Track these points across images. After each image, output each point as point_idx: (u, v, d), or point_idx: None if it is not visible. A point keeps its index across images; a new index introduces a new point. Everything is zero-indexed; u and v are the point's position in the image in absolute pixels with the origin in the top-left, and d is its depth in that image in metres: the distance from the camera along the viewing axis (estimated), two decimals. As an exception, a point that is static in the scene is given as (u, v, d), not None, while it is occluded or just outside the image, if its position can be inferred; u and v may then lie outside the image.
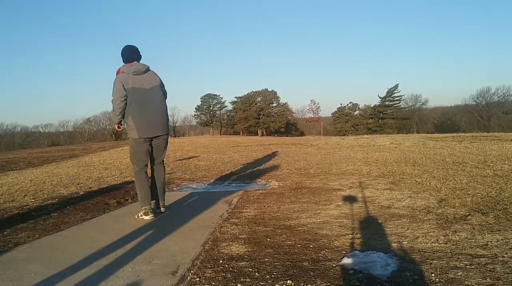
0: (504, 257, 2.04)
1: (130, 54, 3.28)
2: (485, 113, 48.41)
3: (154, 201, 3.43)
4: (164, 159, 3.56)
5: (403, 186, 4.41)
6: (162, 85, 3.38)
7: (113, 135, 54.59)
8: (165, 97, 3.43)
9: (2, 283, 1.94)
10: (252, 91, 60.87)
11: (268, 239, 2.56)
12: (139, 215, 3.28)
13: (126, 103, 3.18)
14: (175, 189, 4.94)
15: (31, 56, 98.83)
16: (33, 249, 2.50)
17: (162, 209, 3.48)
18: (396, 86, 52.20)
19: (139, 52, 3.35)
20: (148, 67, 3.31)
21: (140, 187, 3.27)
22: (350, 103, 58.77)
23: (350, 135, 35.11)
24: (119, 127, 3.36)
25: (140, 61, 3.32)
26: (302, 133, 58.85)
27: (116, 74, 3.24)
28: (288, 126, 62.33)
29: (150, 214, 3.23)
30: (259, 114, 59.11)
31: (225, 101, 65.69)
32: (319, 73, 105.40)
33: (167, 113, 3.40)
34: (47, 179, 6.11)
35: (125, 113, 3.22)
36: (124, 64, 3.27)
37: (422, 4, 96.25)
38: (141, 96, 3.18)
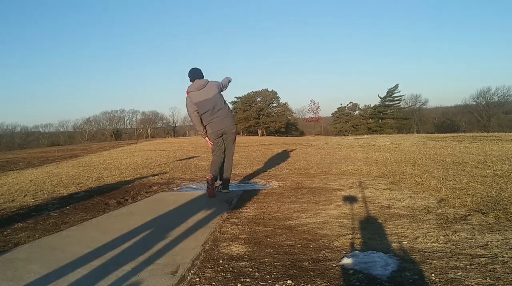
0: (504, 257, 2.04)
1: (193, 75, 4.30)
2: (485, 113, 48.39)
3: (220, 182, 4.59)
4: (234, 149, 4.61)
5: (403, 186, 4.41)
6: (221, 89, 4.42)
7: (113, 136, 54.62)
8: (227, 87, 4.54)
9: (2, 283, 1.94)
10: (252, 91, 60.85)
11: (268, 239, 2.56)
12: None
13: (198, 114, 4.28)
14: (175, 189, 4.94)
15: (31, 56, 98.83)
16: (33, 249, 2.50)
17: (224, 190, 4.52)
18: (396, 86, 52.16)
19: (201, 72, 4.35)
20: (207, 81, 4.31)
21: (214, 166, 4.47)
22: (350, 103, 58.75)
23: (350, 135, 35.09)
24: (209, 140, 4.42)
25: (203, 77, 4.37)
26: (302, 134, 58.80)
27: (186, 93, 4.30)
28: (288, 126, 62.30)
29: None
30: (259, 115, 59.08)
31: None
32: (319, 73, 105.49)
33: (228, 111, 4.42)
34: (47, 179, 6.11)
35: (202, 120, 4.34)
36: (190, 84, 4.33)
37: (422, 4, 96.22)
38: (208, 105, 4.24)
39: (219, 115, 4.27)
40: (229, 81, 4.60)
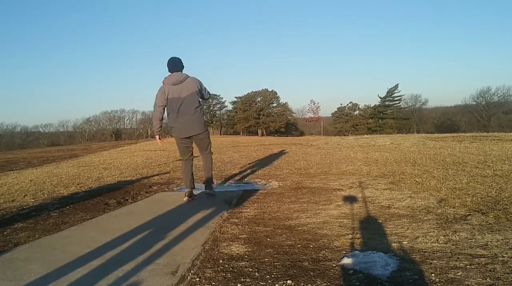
0: (504, 257, 2.04)
1: (172, 66, 3.86)
2: (485, 113, 48.39)
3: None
4: (210, 150, 4.20)
5: (403, 186, 4.41)
6: (200, 90, 3.90)
7: (113, 135, 54.60)
8: (206, 97, 4.07)
9: (2, 283, 1.94)
10: (252, 91, 60.84)
11: (268, 239, 2.56)
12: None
13: (164, 110, 3.87)
14: (175, 189, 4.94)
15: (31, 56, 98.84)
16: (33, 249, 2.50)
17: (205, 191, 4.18)
18: (396, 86, 52.19)
19: (181, 63, 3.92)
20: (187, 76, 3.84)
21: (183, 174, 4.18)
22: (350, 103, 58.75)
23: (350, 135, 35.09)
24: (160, 139, 4.08)
25: (183, 70, 3.93)
26: (302, 133, 58.82)
27: (162, 83, 3.85)
28: (288, 126, 62.30)
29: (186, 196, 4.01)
30: (259, 114, 59.07)
31: (225, 101, 65.60)
32: (319, 73, 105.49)
33: (200, 115, 3.89)
34: (47, 179, 6.11)
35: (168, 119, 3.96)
36: (166, 76, 3.87)
37: (422, 4, 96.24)
38: (177, 104, 3.79)
39: (185, 120, 3.81)
40: (209, 93, 4.17)
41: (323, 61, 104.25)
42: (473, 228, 2.60)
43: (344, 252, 2.24)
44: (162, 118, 3.90)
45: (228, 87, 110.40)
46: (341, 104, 59.39)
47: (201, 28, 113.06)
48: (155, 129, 3.95)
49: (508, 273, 1.82)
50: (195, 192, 4.30)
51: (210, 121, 65.38)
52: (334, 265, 2.05)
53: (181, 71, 3.89)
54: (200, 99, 3.93)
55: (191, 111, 3.80)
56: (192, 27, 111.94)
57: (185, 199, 3.94)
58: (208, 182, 4.15)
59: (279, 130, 58.75)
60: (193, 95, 3.80)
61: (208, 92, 4.09)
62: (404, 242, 2.37)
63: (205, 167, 4.18)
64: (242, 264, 2.10)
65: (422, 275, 1.86)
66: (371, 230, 2.68)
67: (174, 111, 3.80)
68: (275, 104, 61.02)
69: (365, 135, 20.70)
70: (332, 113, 60.48)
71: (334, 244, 2.40)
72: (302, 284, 1.82)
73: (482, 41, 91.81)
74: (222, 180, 5.56)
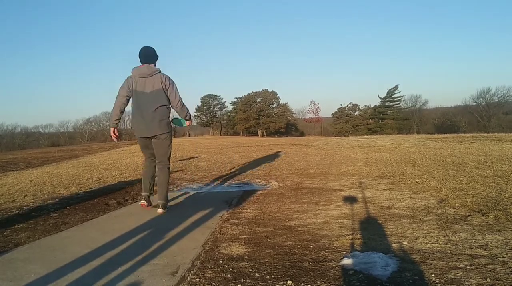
0: (504, 257, 2.04)
1: (144, 56, 3.44)
2: (485, 114, 48.37)
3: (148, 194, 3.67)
4: (167, 161, 3.61)
5: (403, 187, 4.41)
6: (167, 89, 3.45)
7: (113, 136, 54.53)
8: (176, 105, 3.52)
9: (2, 283, 1.94)
10: (252, 92, 60.83)
11: (268, 240, 2.56)
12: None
13: (127, 101, 3.45)
14: (175, 189, 4.94)
15: (31, 57, 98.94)
16: (33, 250, 2.50)
17: (158, 210, 3.48)
18: (396, 86, 52.19)
19: (155, 54, 3.50)
20: (157, 71, 3.43)
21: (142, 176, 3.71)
22: (350, 103, 58.71)
23: (350, 135, 35.11)
24: (114, 133, 3.55)
25: (156, 63, 3.54)
26: (302, 134, 58.82)
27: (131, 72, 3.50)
28: (288, 126, 62.30)
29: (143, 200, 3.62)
30: (259, 115, 59.07)
31: (225, 101, 65.65)
32: (319, 73, 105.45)
33: (163, 115, 3.44)
34: (47, 180, 6.11)
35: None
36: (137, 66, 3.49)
37: (422, 4, 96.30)
38: (140, 99, 3.40)
39: (146, 117, 3.39)
40: (187, 111, 3.66)
41: (323, 61, 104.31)
42: (473, 229, 2.60)
43: (344, 252, 2.24)
44: (123, 111, 3.47)
45: (228, 87, 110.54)
46: (341, 104, 59.43)
47: (201, 28, 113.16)
48: (112, 121, 3.48)
49: (508, 274, 1.82)
50: (196, 192, 4.30)
51: (210, 122, 65.42)
52: (334, 265, 2.05)
53: (153, 64, 3.50)
54: (168, 101, 3.49)
55: (153, 109, 3.38)
56: (192, 27, 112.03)
57: (142, 202, 3.61)
58: (162, 198, 3.52)
59: (279, 131, 58.76)
60: (158, 92, 3.40)
61: (180, 100, 3.52)
62: (404, 243, 2.37)
63: (158, 182, 3.58)
64: (242, 265, 2.10)
65: (422, 275, 1.86)
66: (371, 231, 2.68)
67: (135, 106, 3.44)
68: (275, 105, 61.03)
69: (365, 136, 20.72)
70: (332, 114, 60.48)
71: (334, 245, 2.40)
72: (302, 284, 1.81)
73: (482, 41, 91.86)
74: (222, 181, 5.56)
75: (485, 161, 6.39)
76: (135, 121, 3.48)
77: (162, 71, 3.48)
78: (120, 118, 3.50)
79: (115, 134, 3.56)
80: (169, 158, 3.61)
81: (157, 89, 3.39)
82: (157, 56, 3.53)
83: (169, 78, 3.47)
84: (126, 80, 3.43)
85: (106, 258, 2.28)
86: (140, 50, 3.45)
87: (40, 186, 5.39)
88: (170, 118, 3.61)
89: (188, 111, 3.66)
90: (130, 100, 3.47)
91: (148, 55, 3.45)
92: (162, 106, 3.42)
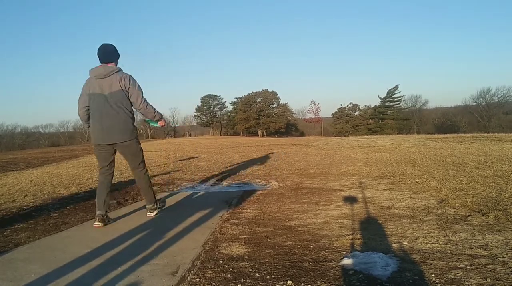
0: (505, 257, 2.04)
1: (102, 55, 3.08)
2: (485, 114, 48.36)
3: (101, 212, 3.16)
4: (142, 166, 3.36)
5: (403, 187, 4.41)
6: (128, 90, 3.07)
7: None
8: (139, 107, 3.15)
9: (2, 283, 1.94)
10: (252, 92, 60.83)
11: (268, 240, 2.56)
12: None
13: (88, 111, 3.12)
14: (175, 189, 4.94)
15: (31, 56, 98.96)
16: (33, 249, 2.50)
17: (148, 214, 3.40)
18: (396, 86, 52.18)
19: (115, 52, 3.14)
20: (116, 70, 3.05)
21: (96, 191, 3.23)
22: (350, 103, 58.71)
23: (350, 135, 35.11)
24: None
25: (118, 61, 3.19)
26: (302, 134, 58.82)
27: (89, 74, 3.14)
28: (288, 126, 62.31)
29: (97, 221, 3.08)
30: (259, 115, 59.07)
31: (225, 102, 65.68)
32: (319, 73, 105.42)
33: (124, 119, 3.07)
34: (47, 180, 6.11)
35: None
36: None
37: (422, 4, 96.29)
38: (97, 102, 3.04)
39: (104, 123, 3.02)
40: (154, 111, 3.27)
41: (323, 61, 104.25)
42: (474, 229, 2.60)
43: (344, 252, 2.24)
44: (89, 119, 3.16)
45: (228, 87, 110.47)
46: (341, 104, 59.40)
47: (201, 28, 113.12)
48: (85, 126, 3.28)
49: (508, 274, 1.82)
50: (197, 192, 4.28)
51: (210, 122, 65.42)
52: (334, 265, 2.05)
53: (114, 64, 3.13)
54: (130, 103, 3.13)
55: (112, 112, 3.01)
56: (192, 27, 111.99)
57: (96, 224, 3.07)
58: (149, 201, 3.42)
59: (279, 131, 58.77)
60: (118, 94, 3.02)
61: (144, 101, 3.16)
62: (404, 243, 2.37)
63: (140, 188, 3.43)
64: (242, 265, 2.10)
65: (422, 275, 1.86)
66: (371, 231, 2.68)
67: (93, 111, 3.08)
68: (275, 105, 61.03)
69: (365, 136, 20.73)
70: (333, 114, 60.47)
71: (334, 245, 2.40)
72: (302, 284, 1.82)
73: (482, 41, 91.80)
74: (222, 181, 5.57)
75: (485, 161, 6.39)
76: (92, 127, 3.11)
77: (123, 71, 3.11)
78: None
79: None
80: (142, 162, 3.33)
81: (115, 90, 3.01)
82: (118, 55, 3.17)
83: (130, 77, 3.09)
84: (84, 86, 3.10)
85: (106, 258, 2.28)
86: (99, 48, 3.08)
87: (40, 186, 5.39)
88: (146, 120, 3.40)
89: (155, 111, 3.27)
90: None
91: (106, 53, 3.08)
92: (122, 110, 3.05)
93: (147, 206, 3.40)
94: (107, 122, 3.03)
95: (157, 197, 3.73)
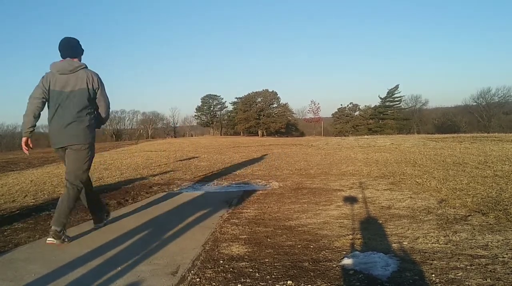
0: (505, 257, 2.04)
1: (65, 49, 2.79)
2: (486, 114, 48.33)
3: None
4: (76, 179, 2.80)
5: (404, 187, 4.41)
6: (94, 90, 2.79)
7: (114, 136, 54.66)
8: (100, 104, 2.87)
9: (2, 283, 1.94)
10: (253, 92, 60.81)
11: (269, 240, 2.56)
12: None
13: (43, 104, 2.73)
14: (175, 189, 4.94)
15: (31, 56, 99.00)
16: (33, 249, 2.50)
17: (49, 239, 2.62)
18: (397, 87, 52.15)
19: (79, 47, 2.86)
20: (82, 66, 2.78)
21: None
22: (350, 103, 58.69)
23: (350, 136, 35.11)
24: (26, 145, 2.75)
25: (82, 58, 2.90)
26: (302, 134, 58.81)
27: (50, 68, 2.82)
28: (289, 126, 62.30)
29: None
30: (260, 115, 59.06)
31: (225, 102, 65.67)
32: (320, 73, 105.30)
33: (86, 120, 2.74)
34: (47, 180, 6.12)
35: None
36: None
37: (422, 4, 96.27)
38: (58, 100, 2.71)
39: (62, 124, 2.68)
40: (107, 119, 3.00)
41: (323, 61, 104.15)
42: (474, 229, 2.60)
43: (345, 252, 2.24)
44: (38, 116, 2.72)
45: (228, 87, 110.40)
46: (341, 104, 59.36)
47: (202, 28, 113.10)
48: (25, 128, 2.71)
49: (508, 274, 1.82)
50: (197, 192, 4.27)
51: (210, 122, 65.39)
52: (334, 265, 2.05)
53: (78, 59, 2.84)
54: (94, 104, 2.83)
55: (72, 114, 2.69)
56: (192, 27, 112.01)
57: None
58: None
59: (279, 131, 58.75)
60: (82, 93, 2.72)
61: (109, 106, 2.92)
62: (404, 243, 2.37)
63: (60, 201, 2.72)
64: (243, 265, 2.10)
65: (422, 275, 1.86)
66: (372, 231, 2.68)
67: (52, 110, 2.74)
68: (276, 105, 61.02)
69: (366, 136, 20.72)
70: (333, 114, 60.44)
71: (335, 245, 2.40)
72: (302, 284, 1.81)
73: (482, 41, 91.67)
74: (222, 181, 5.57)
75: (485, 161, 6.39)
76: (50, 129, 2.78)
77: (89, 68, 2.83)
78: (35, 125, 2.74)
79: (28, 146, 2.76)
80: (82, 176, 2.81)
81: (80, 88, 2.72)
82: (82, 50, 2.90)
83: (98, 77, 2.82)
84: (43, 79, 2.75)
85: (106, 258, 2.28)
86: (60, 42, 2.79)
87: (40, 186, 5.39)
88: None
89: (107, 119, 3.02)
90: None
91: (70, 47, 2.79)
92: (85, 110, 2.74)
93: (53, 227, 2.59)
94: (65, 123, 2.69)
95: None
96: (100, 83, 2.82)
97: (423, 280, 1.80)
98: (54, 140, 2.77)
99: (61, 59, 2.80)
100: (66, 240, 2.65)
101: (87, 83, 2.74)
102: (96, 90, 2.80)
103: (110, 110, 2.97)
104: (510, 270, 1.86)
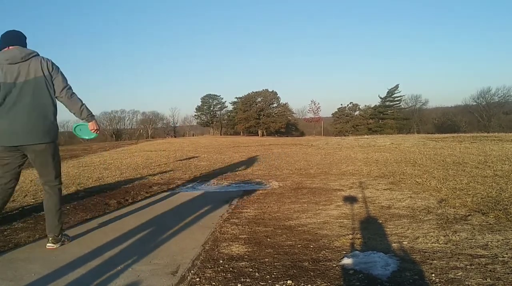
0: (505, 257, 2.04)
1: (10, 37, 2.47)
2: (486, 114, 48.35)
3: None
4: (58, 180, 2.63)
5: (403, 186, 4.41)
6: (51, 76, 2.46)
7: (114, 136, 54.64)
8: (57, 86, 2.49)
9: (2, 283, 1.94)
10: (253, 92, 60.82)
11: (268, 239, 2.56)
12: None
13: None
14: (175, 189, 4.94)
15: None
16: (33, 249, 2.50)
17: (48, 244, 2.51)
18: (397, 86, 52.15)
19: (23, 37, 2.53)
20: (34, 53, 2.46)
21: None
22: (350, 103, 58.70)
23: (350, 135, 35.12)
24: None
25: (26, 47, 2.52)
26: (302, 134, 58.82)
27: None
28: (289, 126, 62.31)
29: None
30: (260, 115, 59.06)
31: (225, 101, 65.66)
32: (320, 73, 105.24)
33: (45, 114, 2.44)
34: (47, 179, 6.11)
35: None
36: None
37: (422, 4, 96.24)
38: (9, 92, 2.36)
39: (16, 118, 2.35)
40: (81, 104, 2.60)
41: (323, 61, 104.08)
42: (474, 228, 2.60)
43: (345, 252, 2.24)
44: None
45: (228, 87, 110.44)
46: (341, 104, 59.37)
47: (202, 28, 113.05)
48: None
49: (508, 273, 1.82)
50: (197, 191, 4.26)
51: (210, 122, 65.36)
52: (334, 265, 2.05)
53: (25, 47, 2.49)
54: (53, 93, 2.48)
55: (28, 106, 2.37)
56: (192, 27, 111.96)
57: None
58: (53, 229, 2.52)
59: (279, 131, 58.76)
60: (38, 82, 2.40)
61: (68, 87, 2.53)
62: (404, 242, 2.37)
63: (46, 209, 2.54)
64: (242, 264, 2.10)
65: (422, 275, 1.86)
66: (371, 230, 2.68)
67: (5, 106, 2.36)
68: (276, 105, 61.02)
69: (366, 136, 20.73)
70: (333, 114, 60.45)
71: (334, 244, 2.40)
72: (302, 284, 1.81)
73: (482, 41, 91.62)
74: (222, 180, 5.57)
75: (485, 160, 6.39)
76: (1, 127, 2.36)
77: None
78: None
79: None
80: (57, 176, 2.61)
81: (35, 77, 2.39)
82: (25, 37, 2.56)
83: (52, 61, 2.50)
84: None
85: (106, 258, 2.28)
86: (4, 34, 2.48)
87: (40, 186, 5.39)
88: (73, 126, 2.77)
89: (83, 105, 2.59)
90: None
91: (15, 36, 2.48)
92: (43, 102, 2.42)
93: (49, 235, 2.52)
94: (19, 118, 2.35)
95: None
96: (55, 67, 2.49)
97: (423, 280, 1.80)
98: (3, 139, 2.35)
99: (5, 48, 2.43)
100: (66, 240, 2.62)
101: (42, 71, 2.41)
102: (52, 73, 2.47)
103: (73, 94, 2.56)
104: (510, 270, 1.86)
